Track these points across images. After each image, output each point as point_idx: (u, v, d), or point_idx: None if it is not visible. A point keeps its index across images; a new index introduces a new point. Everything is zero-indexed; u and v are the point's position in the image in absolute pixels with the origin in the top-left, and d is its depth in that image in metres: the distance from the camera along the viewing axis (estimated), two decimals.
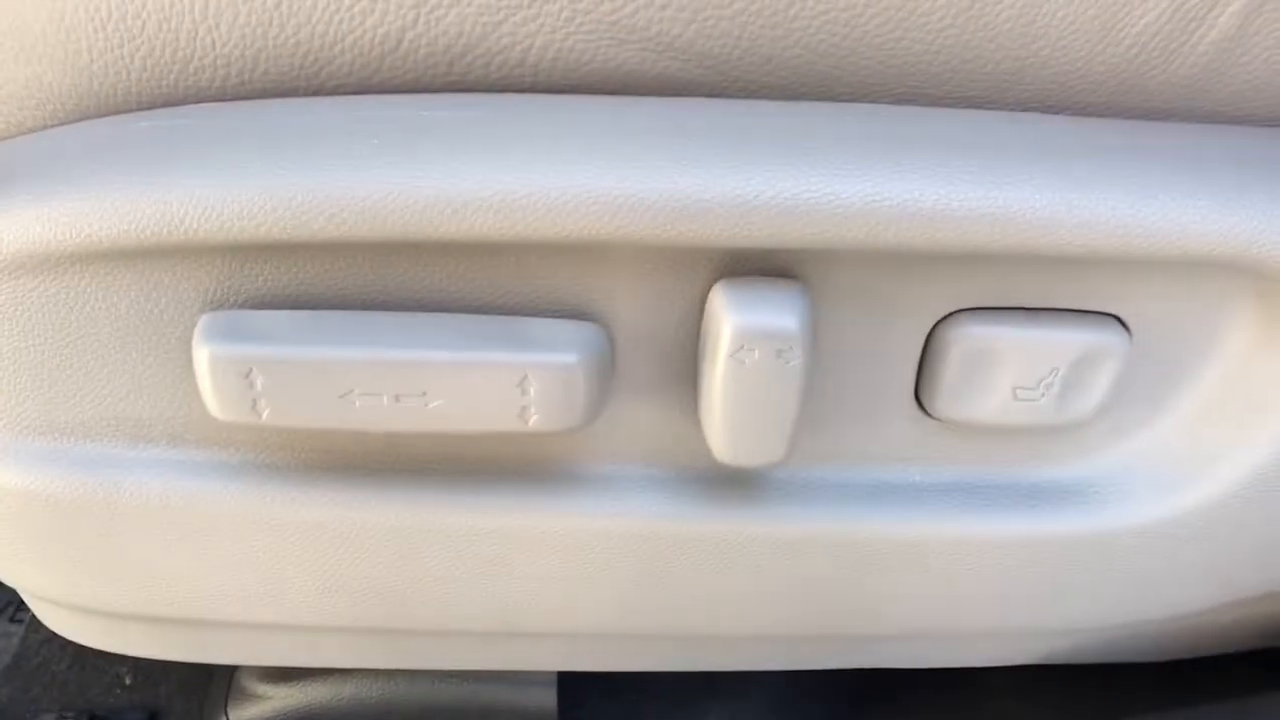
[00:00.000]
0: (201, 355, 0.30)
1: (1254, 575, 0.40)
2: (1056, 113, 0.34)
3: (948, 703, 0.55)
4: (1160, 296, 0.34)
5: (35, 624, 0.71)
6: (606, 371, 0.32)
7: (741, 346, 0.30)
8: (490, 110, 0.31)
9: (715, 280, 0.31)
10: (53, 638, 0.51)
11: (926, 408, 0.35)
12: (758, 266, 0.31)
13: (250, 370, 0.30)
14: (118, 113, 0.33)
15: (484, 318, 0.32)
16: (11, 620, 0.71)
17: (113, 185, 0.30)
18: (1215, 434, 0.36)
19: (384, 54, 0.31)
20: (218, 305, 0.32)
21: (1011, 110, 0.33)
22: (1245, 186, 0.32)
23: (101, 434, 0.35)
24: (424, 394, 0.31)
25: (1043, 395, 0.34)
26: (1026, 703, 0.54)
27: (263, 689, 0.53)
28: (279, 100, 0.32)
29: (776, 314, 0.30)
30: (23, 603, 0.73)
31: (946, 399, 0.34)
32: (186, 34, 0.31)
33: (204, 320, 0.31)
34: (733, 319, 0.30)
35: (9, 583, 0.42)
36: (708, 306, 0.31)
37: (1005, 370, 0.33)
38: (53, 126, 0.34)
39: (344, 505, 0.36)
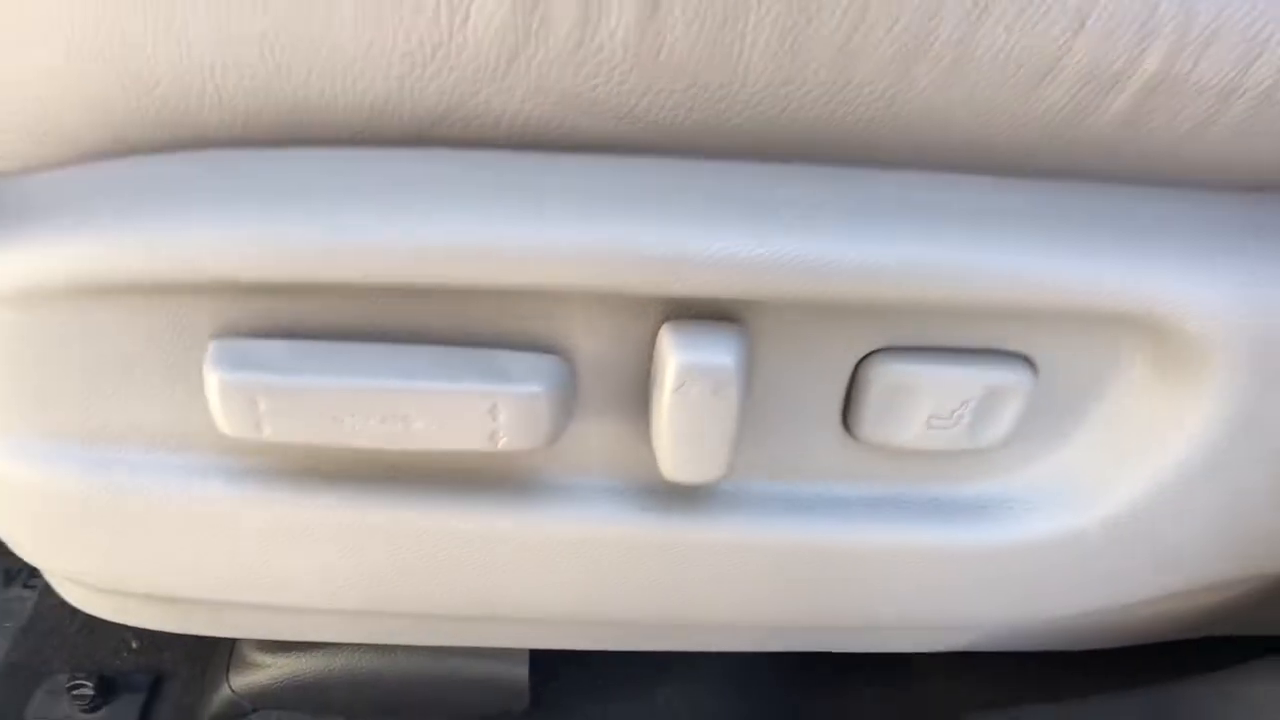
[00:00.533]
0: (212, 380, 0.34)
1: (1149, 579, 0.45)
2: (979, 173, 0.37)
3: (889, 676, 0.60)
4: (1064, 341, 0.38)
5: (47, 590, 0.75)
6: (569, 399, 0.37)
7: (684, 382, 0.34)
8: (464, 168, 0.34)
9: (664, 321, 0.35)
10: (63, 604, 0.56)
11: (853, 432, 0.39)
12: (700, 310, 0.36)
13: (254, 394, 0.34)
14: (133, 153, 0.37)
15: (459, 350, 0.36)
16: (24, 586, 0.76)
17: (131, 228, 0.34)
18: (1109, 462, 0.40)
19: (372, 115, 0.34)
20: (225, 333, 0.36)
21: (936, 171, 0.37)
22: (1142, 247, 0.36)
23: (118, 440, 0.39)
24: (406, 417, 0.35)
25: (955, 424, 0.38)
26: (960, 681, 0.59)
27: (261, 658, 0.57)
28: (279, 150, 0.36)
29: (715, 354, 0.34)
30: (34, 570, 0.78)
31: (869, 425, 0.38)
32: (196, 93, 0.34)
33: (213, 347, 0.35)
34: (676, 357, 0.34)
35: (31, 562, 0.47)
36: (657, 344, 0.35)
37: (921, 402, 0.38)
38: (72, 163, 0.37)
39: (335, 508, 0.40)
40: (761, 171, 0.36)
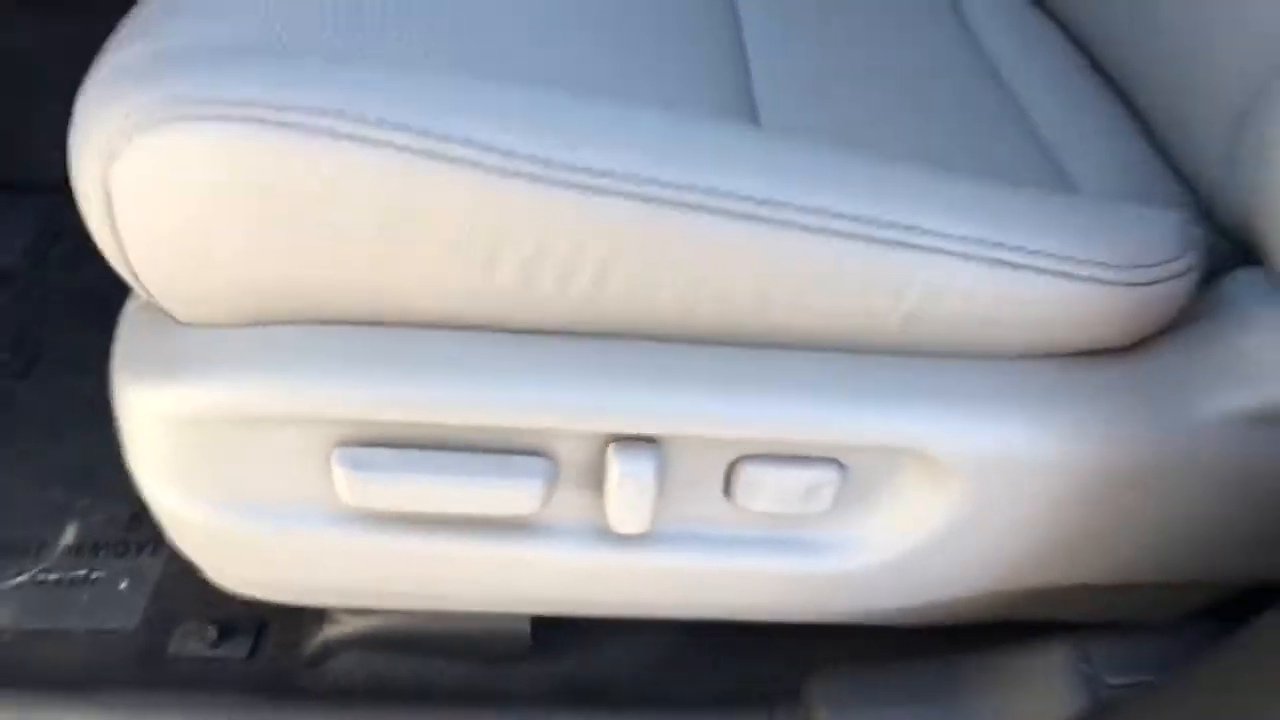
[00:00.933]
0: (339, 474, 0.57)
1: (925, 594, 0.68)
2: (820, 350, 0.60)
3: (779, 636, 0.83)
4: (864, 454, 0.60)
5: (170, 559, 0.99)
6: (553, 484, 0.60)
7: (622, 483, 0.58)
8: (495, 348, 0.56)
9: (610, 442, 0.58)
10: (185, 571, 0.78)
11: (730, 499, 0.62)
12: (633, 435, 0.58)
13: (367, 483, 0.57)
14: (281, 323, 0.58)
15: (488, 455, 0.59)
16: (151, 554, 1.00)
17: (286, 381, 0.55)
18: (894, 526, 0.63)
19: (436, 318, 0.57)
20: (345, 444, 0.58)
21: (785, 347, 0.59)
22: (912, 406, 0.58)
23: (267, 502, 0.61)
24: (456, 499, 0.58)
25: (793, 499, 0.61)
26: (827, 644, 0.82)
27: (345, 618, 0.81)
28: (381, 329, 0.58)
29: (640, 466, 0.57)
30: (158, 544, 1.02)
31: (739, 497, 0.61)
32: (323, 297, 0.56)
33: (338, 453, 0.58)
34: (617, 468, 0.57)
35: (195, 560, 0.70)
36: (606, 456, 0.58)
37: (770, 486, 0.61)
38: (237, 325, 0.58)
39: (404, 541, 0.62)
40: (672, 351, 0.58)
